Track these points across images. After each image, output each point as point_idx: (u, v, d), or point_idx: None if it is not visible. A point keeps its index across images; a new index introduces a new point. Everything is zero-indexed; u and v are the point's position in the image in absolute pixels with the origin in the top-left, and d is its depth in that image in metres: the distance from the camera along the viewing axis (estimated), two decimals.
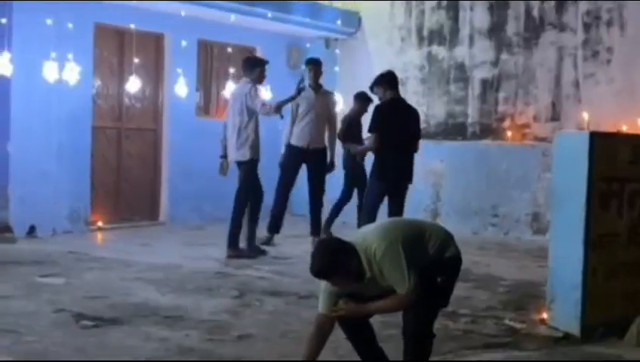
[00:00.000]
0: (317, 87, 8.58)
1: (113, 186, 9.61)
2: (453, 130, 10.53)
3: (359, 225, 7.78)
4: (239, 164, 7.72)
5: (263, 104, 7.64)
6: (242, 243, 7.76)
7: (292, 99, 7.81)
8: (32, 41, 8.33)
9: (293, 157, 8.49)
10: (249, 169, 7.67)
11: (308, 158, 8.51)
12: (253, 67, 7.77)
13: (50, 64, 8.27)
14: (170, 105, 10.00)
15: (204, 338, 4.83)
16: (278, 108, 7.66)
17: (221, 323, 5.21)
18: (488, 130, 10.22)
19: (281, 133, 8.71)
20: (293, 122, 8.49)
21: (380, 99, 7.48)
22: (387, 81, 7.42)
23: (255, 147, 7.68)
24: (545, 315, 5.39)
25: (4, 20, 8.06)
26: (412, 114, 7.49)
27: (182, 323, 5.17)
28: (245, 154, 7.64)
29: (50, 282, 6.24)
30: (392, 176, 7.26)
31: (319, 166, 8.55)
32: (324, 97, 8.65)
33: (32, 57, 8.26)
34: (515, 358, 4.74)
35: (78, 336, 4.76)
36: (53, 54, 8.32)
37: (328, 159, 8.64)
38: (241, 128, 7.63)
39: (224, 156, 7.85)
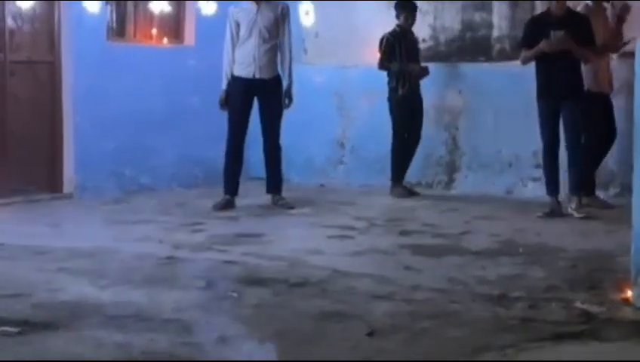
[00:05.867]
0: None
1: None
2: (473, 47, 10.82)
3: None
4: None
5: None
6: None
7: None
8: None
9: (238, 92, 9.25)
10: None
11: (256, 92, 9.31)
12: None
13: None
14: (73, 25, 10.14)
15: (177, 342, 5.07)
16: None
17: (192, 323, 5.45)
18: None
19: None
20: (233, 47, 9.20)
21: None
22: None
23: None
24: (629, 294, 5.75)
25: None
26: None
27: (139, 324, 5.39)
28: None
29: None
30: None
31: (272, 100, 9.34)
32: (269, 10, 9.26)
33: None
34: (598, 351, 5.01)
35: (1, 347, 4.96)
36: None
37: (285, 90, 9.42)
38: None
39: None
